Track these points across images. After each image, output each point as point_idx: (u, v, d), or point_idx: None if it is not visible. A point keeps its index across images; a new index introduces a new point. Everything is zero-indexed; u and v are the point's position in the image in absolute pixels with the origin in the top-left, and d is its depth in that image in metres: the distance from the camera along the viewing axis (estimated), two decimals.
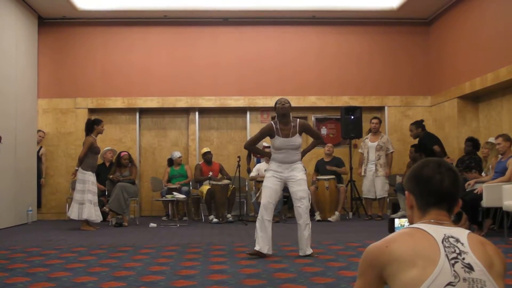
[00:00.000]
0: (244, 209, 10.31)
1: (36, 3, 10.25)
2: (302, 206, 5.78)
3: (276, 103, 5.99)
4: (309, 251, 5.77)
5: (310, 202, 5.96)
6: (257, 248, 5.71)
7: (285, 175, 5.87)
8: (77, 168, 8.76)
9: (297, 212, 5.82)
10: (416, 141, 10.07)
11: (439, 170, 1.83)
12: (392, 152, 10.00)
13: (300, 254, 5.79)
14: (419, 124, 9.44)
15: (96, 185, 8.86)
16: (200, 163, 10.49)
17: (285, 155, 5.87)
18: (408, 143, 10.87)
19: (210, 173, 10.11)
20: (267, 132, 5.96)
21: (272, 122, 6.01)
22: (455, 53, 10.37)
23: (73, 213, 8.59)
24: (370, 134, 10.14)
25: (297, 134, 5.89)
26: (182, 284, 4.40)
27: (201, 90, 11.26)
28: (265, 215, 5.74)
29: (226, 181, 9.89)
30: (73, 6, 10.39)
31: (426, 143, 9.20)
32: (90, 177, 8.67)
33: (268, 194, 5.81)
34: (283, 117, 5.90)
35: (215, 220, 9.59)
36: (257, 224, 5.78)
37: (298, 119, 6.00)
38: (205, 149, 10.37)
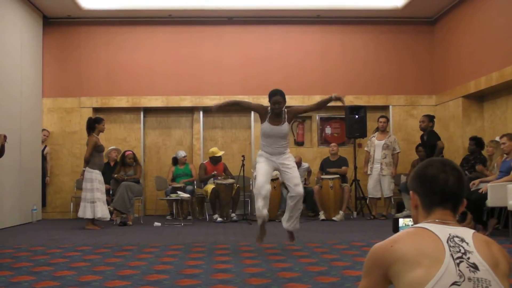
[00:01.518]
0: (248, 209, 10.31)
1: (41, 3, 10.27)
2: (298, 193, 5.97)
3: (270, 98, 6.04)
4: (297, 227, 6.17)
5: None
6: (260, 221, 5.99)
7: (277, 161, 6.08)
8: (84, 168, 8.80)
9: (292, 198, 6.02)
10: (420, 141, 10.06)
11: (444, 169, 1.83)
12: (398, 153, 9.96)
13: (284, 225, 6.17)
14: (431, 118, 9.54)
15: (103, 183, 8.88)
16: (205, 162, 10.48)
17: (273, 142, 6.05)
18: (412, 143, 10.85)
19: (215, 172, 10.11)
20: (261, 111, 6.13)
21: (268, 108, 6.11)
22: (460, 52, 10.34)
23: (86, 212, 8.59)
24: (377, 132, 10.12)
25: (286, 123, 6.06)
26: (187, 283, 4.40)
27: (205, 89, 11.26)
28: (262, 196, 5.88)
29: (231, 180, 9.90)
30: (78, 6, 10.41)
31: (430, 138, 9.22)
32: (97, 175, 8.70)
33: (263, 176, 5.97)
34: (276, 115, 6.05)
35: (219, 219, 9.59)
36: (257, 207, 5.93)
37: (285, 109, 6.10)
38: (220, 153, 10.26)
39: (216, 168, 10.23)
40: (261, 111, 6.16)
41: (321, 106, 6.35)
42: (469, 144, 8.86)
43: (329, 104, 11.20)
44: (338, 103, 11.14)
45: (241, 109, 6.52)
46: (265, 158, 6.11)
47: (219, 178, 10.00)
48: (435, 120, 9.61)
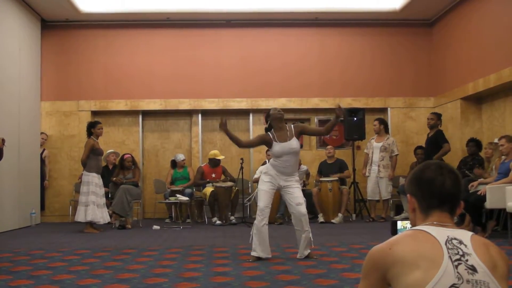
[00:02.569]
0: (247, 211, 10.30)
1: (39, 6, 10.28)
2: (300, 212, 5.75)
3: (269, 112, 5.97)
4: (307, 252, 5.80)
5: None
6: (255, 254, 5.72)
7: (281, 184, 5.84)
8: (83, 172, 8.82)
9: (296, 218, 5.80)
10: (417, 143, 10.08)
11: (441, 172, 1.84)
12: (396, 155, 9.96)
13: (297, 256, 5.82)
14: (439, 116, 9.63)
15: (102, 186, 8.88)
16: (202, 165, 10.47)
17: (285, 163, 5.79)
18: (411, 145, 10.86)
19: (213, 175, 10.11)
20: (265, 139, 5.93)
21: (268, 133, 5.94)
22: (458, 54, 10.36)
23: (80, 216, 8.61)
24: (376, 135, 10.13)
25: (294, 137, 5.83)
26: (186, 286, 4.40)
27: (204, 92, 11.26)
28: (263, 219, 5.75)
29: (229, 183, 9.89)
30: (76, 9, 10.41)
31: (437, 138, 9.29)
32: (94, 178, 8.69)
33: (266, 199, 5.81)
34: (279, 121, 5.86)
35: (218, 222, 9.59)
36: (254, 230, 5.78)
37: (291, 124, 5.97)
38: (221, 157, 10.24)
39: (214, 171, 10.22)
40: (263, 136, 5.98)
41: (329, 130, 5.94)
42: (469, 146, 8.88)
43: (328, 106, 11.33)
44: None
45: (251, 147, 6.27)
46: (270, 177, 5.84)
47: (217, 181, 9.99)
48: (442, 119, 9.68)
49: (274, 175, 5.84)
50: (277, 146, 5.78)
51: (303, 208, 5.78)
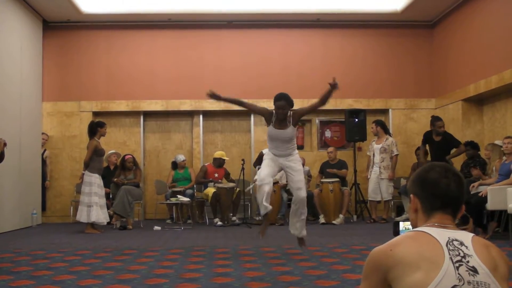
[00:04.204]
0: (248, 212, 10.30)
1: (40, 7, 10.29)
2: (299, 196, 5.95)
3: (274, 102, 6.02)
4: (304, 232, 6.06)
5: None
6: (263, 212, 5.95)
7: (282, 162, 6.04)
8: (83, 172, 8.80)
9: (295, 201, 6.03)
10: (419, 144, 10.06)
11: (446, 174, 1.84)
12: (396, 155, 9.94)
13: (291, 232, 6.09)
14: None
15: (103, 187, 8.88)
16: (206, 164, 10.46)
17: (278, 148, 6.02)
18: (412, 146, 10.86)
19: (216, 175, 10.11)
20: (266, 114, 6.11)
21: (274, 111, 6.04)
22: (459, 56, 10.36)
23: (82, 216, 8.60)
24: (376, 137, 10.13)
25: (291, 126, 5.99)
26: (187, 287, 4.40)
27: (205, 93, 11.21)
28: (263, 184, 5.86)
29: (231, 184, 9.90)
30: (78, 10, 10.42)
31: (450, 141, 9.27)
32: (97, 179, 8.69)
33: (267, 169, 5.95)
34: (281, 120, 6.00)
35: (219, 223, 9.59)
36: (259, 196, 5.91)
37: (291, 111, 6.05)
38: (225, 158, 10.28)
39: (217, 171, 10.22)
40: (266, 114, 6.11)
41: (324, 100, 6.06)
42: (466, 150, 8.87)
43: (329, 108, 11.29)
44: (339, 106, 11.22)
45: (246, 109, 6.43)
46: (272, 155, 6.09)
47: (220, 181, 9.99)
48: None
49: (273, 157, 6.07)
50: (273, 131, 6.01)
51: (302, 193, 5.94)
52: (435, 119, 9.51)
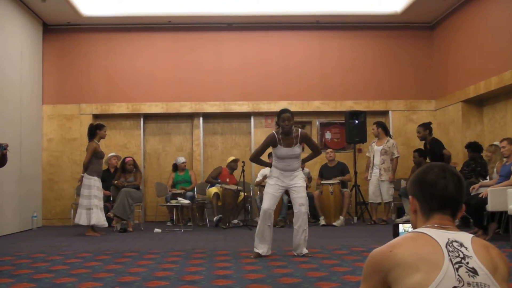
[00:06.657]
0: (248, 214, 10.30)
1: (40, 10, 10.30)
2: (300, 211, 6.14)
3: (279, 115, 6.18)
4: (305, 251, 6.12)
5: (308, 210, 6.50)
6: (256, 251, 6.10)
7: (287, 182, 6.21)
8: (82, 174, 8.79)
9: (295, 217, 6.19)
10: (419, 146, 10.06)
11: (444, 175, 1.84)
12: (397, 157, 9.93)
13: (295, 253, 6.14)
14: (427, 126, 9.45)
15: (102, 190, 8.88)
16: (223, 167, 10.49)
17: (286, 164, 6.19)
18: (412, 147, 10.85)
19: (227, 180, 10.13)
20: (270, 142, 6.25)
21: (274, 132, 6.27)
22: (459, 57, 10.36)
23: (81, 219, 8.58)
24: (377, 138, 10.13)
25: (298, 144, 6.18)
26: None
27: (205, 95, 11.27)
28: (266, 221, 6.11)
29: (238, 187, 9.89)
30: (78, 13, 10.44)
31: (434, 148, 9.19)
32: (96, 182, 8.69)
33: (270, 201, 6.17)
34: (287, 134, 6.15)
35: (216, 218, 9.70)
36: (257, 232, 6.14)
37: (300, 130, 6.27)
38: (234, 159, 10.37)
39: (230, 177, 10.25)
40: (270, 140, 6.22)
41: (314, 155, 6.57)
42: (468, 151, 8.87)
43: (329, 109, 11.34)
44: (339, 108, 11.23)
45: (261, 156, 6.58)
46: (276, 179, 6.18)
47: (225, 183, 9.99)
48: (432, 126, 9.56)
49: (279, 175, 6.20)
50: (281, 151, 6.16)
51: (304, 208, 6.15)
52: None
